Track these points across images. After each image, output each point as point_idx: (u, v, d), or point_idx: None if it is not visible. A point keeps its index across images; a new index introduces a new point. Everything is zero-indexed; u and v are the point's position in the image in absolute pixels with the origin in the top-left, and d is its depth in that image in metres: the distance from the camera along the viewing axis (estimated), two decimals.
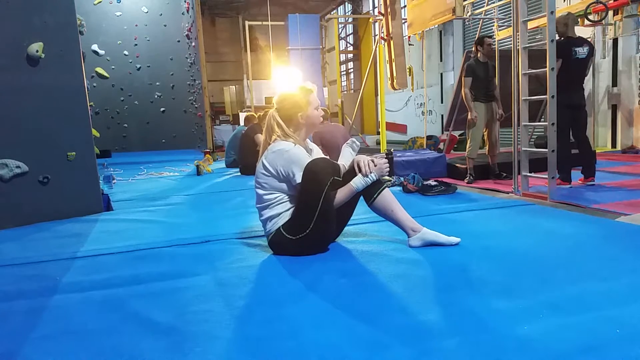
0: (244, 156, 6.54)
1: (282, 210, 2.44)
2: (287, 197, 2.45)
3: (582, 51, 4.36)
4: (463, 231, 2.68)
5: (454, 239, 2.50)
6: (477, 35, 7.55)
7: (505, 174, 5.12)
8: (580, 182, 4.52)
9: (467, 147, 5.12)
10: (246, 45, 14.48)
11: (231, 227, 3.19)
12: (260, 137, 2.53)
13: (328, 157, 2.57)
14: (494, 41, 7.75)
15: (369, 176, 2.43)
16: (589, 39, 8.07)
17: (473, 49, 5.31)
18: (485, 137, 5.25)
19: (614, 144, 8.15)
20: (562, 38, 4.38)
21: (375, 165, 2.45)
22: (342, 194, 2.43)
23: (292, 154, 2.39)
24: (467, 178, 5.06)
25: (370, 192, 2.48)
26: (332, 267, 2.26)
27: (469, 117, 5.02)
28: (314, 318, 1.68)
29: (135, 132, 11.29)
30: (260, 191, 2.48)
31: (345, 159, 2.68)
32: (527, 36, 4.10)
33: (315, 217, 2.33)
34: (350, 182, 2.43)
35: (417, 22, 7.88)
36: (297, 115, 2.49)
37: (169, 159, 8.95)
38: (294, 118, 2.50)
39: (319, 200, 2.32)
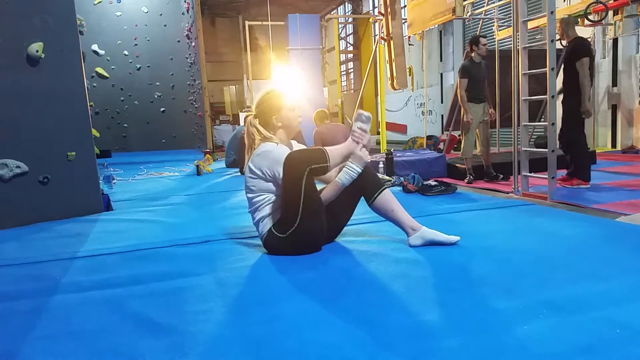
0: (244, 156, 6.53)
1: (271, 210, 2.47)
2: (274, 197, 2.47)
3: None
4: (463, 231, 2.67)
5: (454, 238, 2.51)
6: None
7: (502, 175, 5.11)
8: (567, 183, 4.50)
9: (462, 147, 5.13)
10: (246, 45, 14.47)
11: (231, 227, 3.19)
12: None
13: (305, 147, 2.60)
14: (494, 40, 7.76)
15: (353, 169, 2.44)
16: (589, 39, 8.09)
17: (468, 48, 5.30)
18: (479, 138, 5.23)
19: (614, 144, 8.15)
20: (573, 39, 4.43)
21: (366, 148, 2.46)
22: (329, 190, 2.47)
23: (275, 154, 2.42)
24: (467, 178, 5.06)
25: (370, 192, 2.51)
26: (332, 267, 2.27)
27: (465, 119, 5.01)
28: (313, 318, 1.68)
29: (135, 132, 11.27)
30: (250, 195, 2.51)
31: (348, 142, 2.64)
32: (527, 36, 4.10)
33: (301, 210, 2.35)
34: (335, 179, 2.47)
35: (417, 22, 7.89)
36: (272, 118, 2.53)
37: (169, 159, 8.94)
38: (270, 121, 2.54)
39: (300, 191, 2.33)
